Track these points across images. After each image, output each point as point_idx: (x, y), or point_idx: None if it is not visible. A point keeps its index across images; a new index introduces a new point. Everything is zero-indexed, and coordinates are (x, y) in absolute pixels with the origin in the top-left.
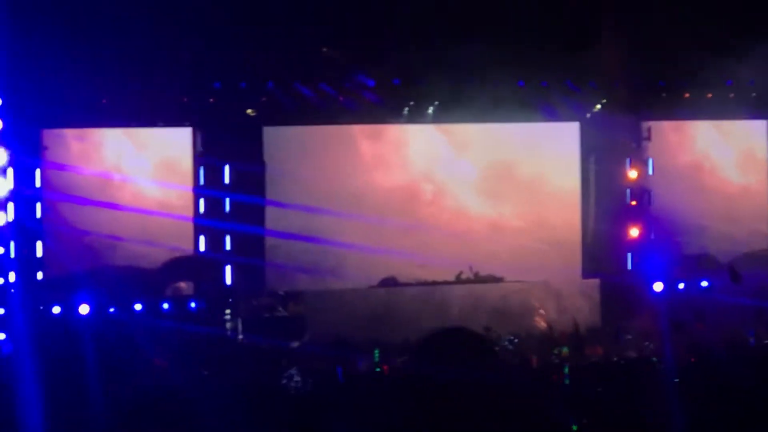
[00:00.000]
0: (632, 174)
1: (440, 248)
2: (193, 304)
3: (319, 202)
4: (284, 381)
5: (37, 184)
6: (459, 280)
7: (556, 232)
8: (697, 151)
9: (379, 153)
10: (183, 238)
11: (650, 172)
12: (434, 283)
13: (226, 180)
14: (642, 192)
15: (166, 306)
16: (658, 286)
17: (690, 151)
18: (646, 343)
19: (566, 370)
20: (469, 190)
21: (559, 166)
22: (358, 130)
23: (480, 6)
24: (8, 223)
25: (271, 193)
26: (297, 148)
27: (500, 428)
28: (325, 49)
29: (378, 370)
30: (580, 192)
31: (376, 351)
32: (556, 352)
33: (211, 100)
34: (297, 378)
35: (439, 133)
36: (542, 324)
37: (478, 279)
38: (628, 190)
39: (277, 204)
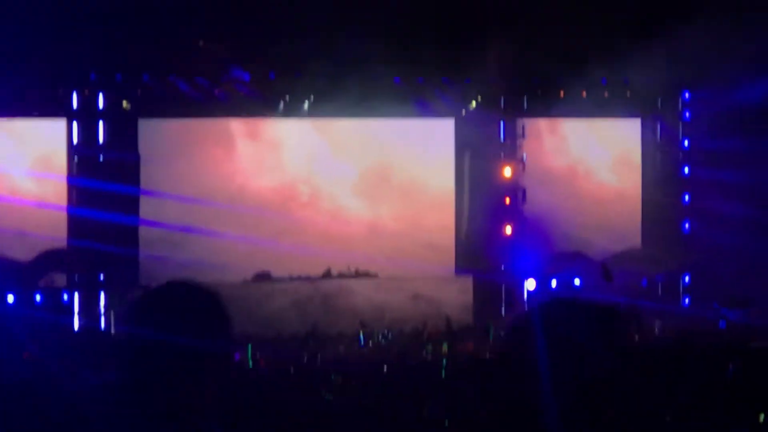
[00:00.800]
0: (506, 172)
1: (316, 248)
2: (65, 296)
3: (194, 196)
4: (159, 373)
5: None
6: (332, 275)
7: (431, 230)
8: (571, 150)
9: (255, 149)
10: (57, 229)
11: (524, 170)
12: (308, 279)
13: (101, 172)
14: (516, 190)
15: (38, 298)
16: (530, 284)
17: (564, 149)
18: (517, 339)
19: (444, 363)
20: (345, 189)
21: (435, 163)
22: (234, 125)
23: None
24: None
25: (146, 186)
26: (173, 142)
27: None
28: (201, 42)
29: (251, 366)
30: (454, 189)
31: (249, 345)
32: (429, 348)
33: (86, 91)
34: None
35: (316, 131)
36: (415, 320)
37: (352, 274)
38: (503, 188)
39: (152, 194)
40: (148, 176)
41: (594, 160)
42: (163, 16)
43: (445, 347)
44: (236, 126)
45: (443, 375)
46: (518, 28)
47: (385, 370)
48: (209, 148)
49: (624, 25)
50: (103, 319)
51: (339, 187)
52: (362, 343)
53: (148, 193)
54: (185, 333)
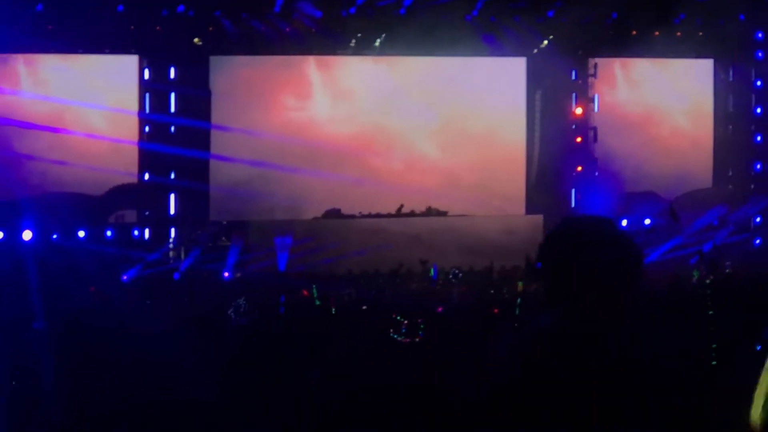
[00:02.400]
0: (577, 111)
1: (388, 186)
2: (136, 232)
3: (265, 132)
4: (229, 311)
5: None
6: (402, 214)
7: (501, 170)
8: (642, 89)
9: (326, 84)
10: (128, 165)
11: (596, 109)
12: (378, 216)
13: (172, 108)
14: (587, 129)
15: (109, 233)
16: None
17: (635, 88)
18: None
19: (519, 301)
20: (419, 130)
21: (506, 101)
22: (306, 64)
23: None
24: None
25: (216, 121)
26: (244, 78)
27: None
28: None
29: (318, 303)
30: (525, 128)
31: (314, 286)
32: (505, 289)
33: (158, 28)
34: (240, 307)
35: (387, 71)
36: (485, 258)
37: (422, 212)
38: (573, 127)
39: (222, 128)
40: (218, 112)
41: (666, 100)
42: None
43: (520, 285)
44: (309, 64)
45: (516, 312)
46: None
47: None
48: (281, 86)
49: None
50: (172, 254)
51: (412, 128)
52: (434, 279)
53: (219, 128)
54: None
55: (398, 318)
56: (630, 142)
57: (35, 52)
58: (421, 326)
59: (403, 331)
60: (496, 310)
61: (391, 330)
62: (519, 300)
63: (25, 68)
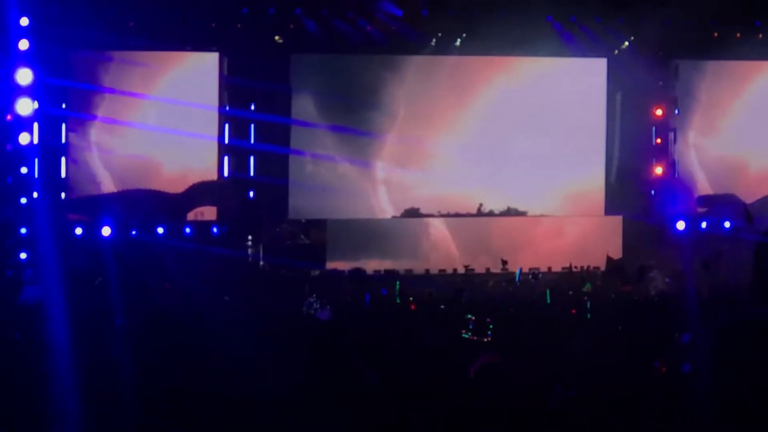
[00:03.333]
0: (658, 112)
1: (468, 186)
2: (215, 229)
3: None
4: (305, 308)
5: (63, 104)
6: (482, 213)
7: (581, 170)
8: (725, 92)
9: (405, 83)
10: (208, 162)
11: (676, 111)
12: (457, 215)
13: (252, 105)
14: (667, 131)
15: (188, 230)
16: (680, 225)
17: (717, 90)
18: (668, 281)
19: (588, 305)
20: (502, 127)
21: (586, 102)
22: (381, 61)
23: None
24: (33, 144)
25: (297, 118)
26: (324, 76)
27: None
28: None
29: (398, 301)
30: (605, 129)
31: (397, 283)
32: (584, 289)
33: (239, 25)
34: (317, 305)
35: (465, 70)
36: (565, 259)
37: (502, 212)
38: (654, 129)
39: (303, 124)
40: (299, 109)
41: (744, 103)
42: None
43: (588, 287)
44: (389, 62)
45: (588, 315)
46: None
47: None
48: (361, 83)
49: None
50: (251, 251)
51: (493, 125)
52: (517, 279)
53: (299, 123)
54: None
55: (468, 316)
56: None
57: (117, 49)
58: (490, 326)
59: (471, 328)
60: (573, 311)
61: (462, 330)
62: (588, 303)
63: (106, 64)
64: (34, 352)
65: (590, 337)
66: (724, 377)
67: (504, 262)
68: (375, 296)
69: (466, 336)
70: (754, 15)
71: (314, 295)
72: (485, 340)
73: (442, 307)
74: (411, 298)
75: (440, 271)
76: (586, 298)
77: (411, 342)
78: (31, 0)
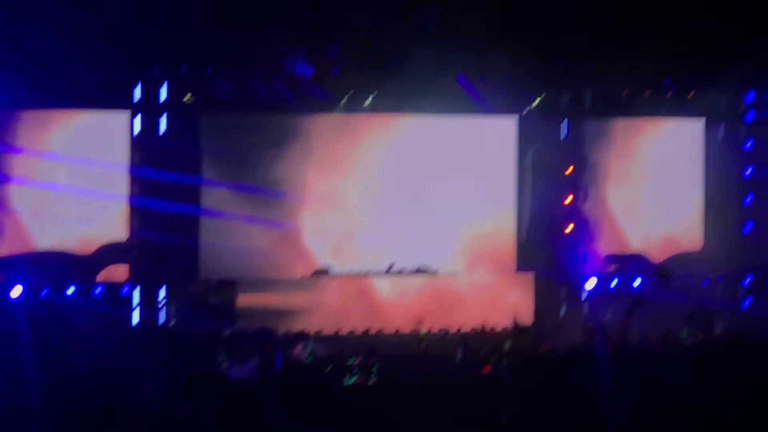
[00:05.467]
0: (568, 171)
1: (378, 244)
2: (125, 289)
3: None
4: (216, 366)
5: None
6: (392, 272)
7: (492, 228)
8: (634, 150)
9: (317, 145)
10: (118, 222)
11: (585, 169)
12: (368, 274)
13: (163, 162)
14: (577, 188)
15: (98, 290)
16: (590, 284)
17: (627, 149)
18: (577, 337)
19: (504, 362)
20: (408, 187)
21: (497, 160)
22: (298, 121)
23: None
24: None
25: (207, 177)
26: (235, 135)
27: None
28: (266, 37)
29: (308, 362)
30: (516, 187)
31: (308, 343)
32: (490, 345)
33: (150, 84)
34: (228, 364)
35: (376, 129)
36: (475, 318)
37: (412, 271)
38: (564, 187)
39: (214, 183)
40: (210, 167)
41: (656, 161)
42: (227, 9)
43: (507, 345)
44: (300, 121)
45: (503, 372)
46: (581, 30)
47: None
48: (272, 142)
49: (687, 25)
50: (162, 312)
51: (403, 183)
52: (421, 340)
53: (210, 183)
54: None
55: (352, 360)
56: (619, 200)
57: (29, 108)
58: (374, 367)
59: (355, 372)
60: (487, 369)
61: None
62: (505, 360)
63: (18, 123)
64: None
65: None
66: None
67: (417, 322)
68: (285, 356)
69: (350, 382)
70: (663, 74)
71: (225, 355)
72: (369, 383)
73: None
74: (309, 360)
75: (349, 332)
76: (497, 358)
77: (318, 402)
78: None
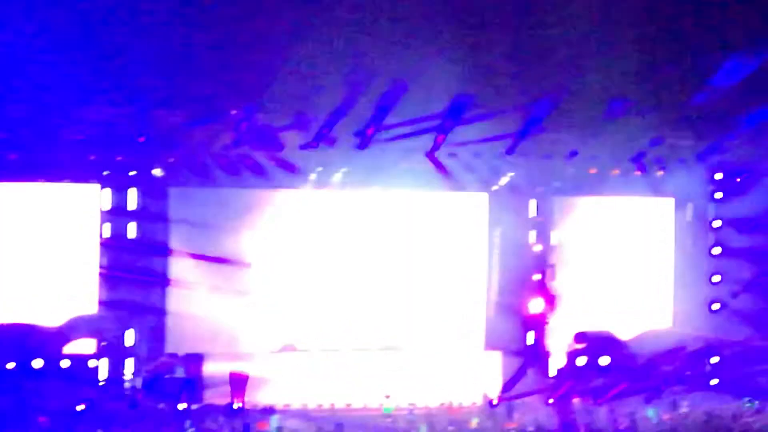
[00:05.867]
0: (537, 248)
1: (344, 320)
2: (92, 363)
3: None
4: None
5: None
6: (360, 348)
7: (460, 304)
8: (602, 228)
9: (284, 220)
10: (86, 294)
11: (555, 246)
12: (335, 350)
13: (132, 235)
14: (546, 266)
15: (66, 363)
16: (558, 361)
17: (595, 226)
18: (545, 416)
19: None
20: (377, 263)
21: (466, 236)
22: (260, 194)
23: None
24: None
25: (176, 251)
26: (202, 208)
27: None
28: (233, 112)
29: None
30: (487, 263)
31: (274, 417)
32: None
33: (119, 158)
34: None
35: (343, 204)
36: (443, 395)
37: (379, 347)
38: (532, 263)
39: (182, 254)
40: (178, 241)
41: (625, 239)
42: (195, 85)
43: (474, 422)
44: (266, 196)
45: None
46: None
47: None
48: (240, 216)
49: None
50: (128, 385)
51: (370, 260)
52: (389, 416)
53: (178, 253)
54: None
55: None
56: (587, 277)
57: None
58: None
59: None
60: None
61: None
62: None
63: None
64: None
65: None
66: None
67: (386, 397)
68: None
69: None
70: (629, 152)
71: (193, 430)
72: None
73: None
74: None
75: (318, 406)
76: None
77: None
78: None
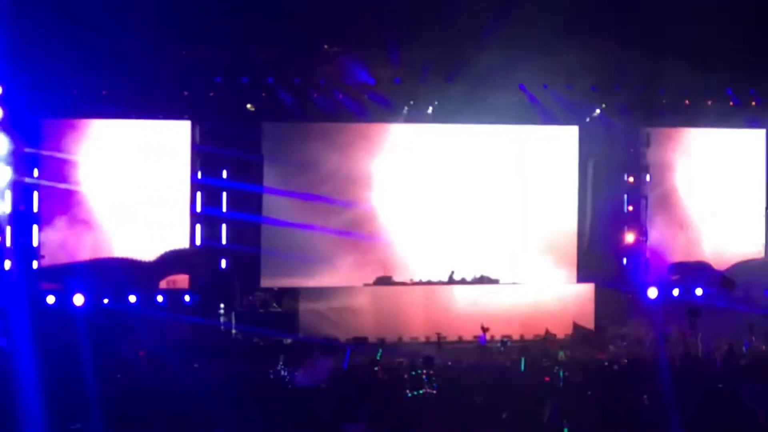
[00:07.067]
0: (630, 180)
1: (439, 252)
2: (187, 297)
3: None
4: (277, 375)
5: (36, 173)
6: (454, 281)
7: (553, 238)
8: (694, 159)
9: (379, 150)
10: (180, 230)
11: (647, 178)
12: (429, 283)
13: (224, 173)
14: (639, 198)
15: (160, 298)
16: (652, 292)
17: (687, 158)
18: (639, 348)
19: (561, 374)
20: (468, 197)
21: (558, 170)
22: (352, 129)
23: (479, 8)
24: (5, 212)
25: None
26: (296, 144)
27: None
28: (326, 47)
29: (376, 369)
30: (577, 197)
31: (380, 351)
32: (558, 357)
33: (212, 94)
34: (288, 372)
35: (437, 138)
36: (536, 326)
37: (474, 280)
38: (626, 196)
39: (275, 192)
40: (271, 177)
41: (716, 169)
42: (288, 20)
43: (561, 355)
44: (360, 130)
45: (561, 382)
46: (645, 37)
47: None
48: (329, 149)
49: (750, 36)
50: (222, 319)
51: (464, 196)
52: (482, 345)
53: (271, 191)
54: None
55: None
56: (682, 209)
57: (90, 117)
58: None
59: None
60: (547, 378)
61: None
62: (557, 369)
63: (79, 133)
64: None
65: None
66: None
67: (484, 329)
68: (349, 364)
69: (417, 393)
70: (724, 84)
71: (289, 363)
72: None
73: (413, 373)
74: (375, 369)
75: (412, 338)
76: (557, 368)
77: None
78: (3, 67)
